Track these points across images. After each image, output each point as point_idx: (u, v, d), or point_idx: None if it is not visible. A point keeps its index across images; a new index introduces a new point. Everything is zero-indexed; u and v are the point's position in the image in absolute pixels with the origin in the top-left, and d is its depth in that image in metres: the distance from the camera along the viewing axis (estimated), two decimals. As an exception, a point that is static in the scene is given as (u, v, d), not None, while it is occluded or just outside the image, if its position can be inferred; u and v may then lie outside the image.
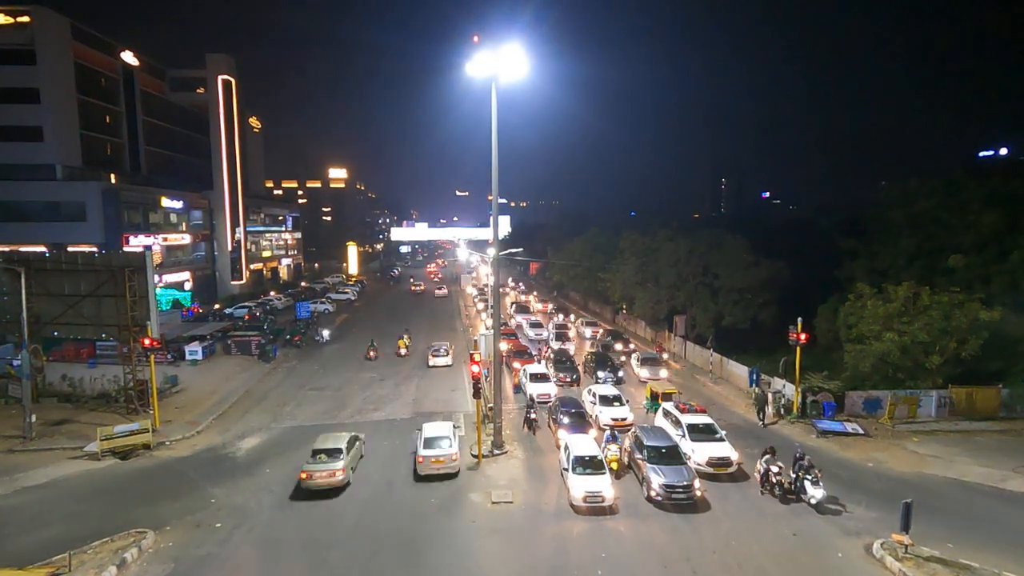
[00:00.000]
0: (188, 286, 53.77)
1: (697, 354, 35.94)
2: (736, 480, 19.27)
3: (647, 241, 43.02)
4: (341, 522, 16.59)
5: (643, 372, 32.34)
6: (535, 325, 45.19)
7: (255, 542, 15.57)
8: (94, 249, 38.16)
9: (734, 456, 19.52)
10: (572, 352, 37.08)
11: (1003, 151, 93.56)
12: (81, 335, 28.88)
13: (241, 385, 30.86)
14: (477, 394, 20.91)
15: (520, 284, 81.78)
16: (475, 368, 21.18)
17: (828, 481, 19.34)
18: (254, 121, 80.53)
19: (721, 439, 20.24)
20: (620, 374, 31.57)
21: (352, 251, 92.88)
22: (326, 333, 42.85)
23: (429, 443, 19.24)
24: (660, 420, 22.92)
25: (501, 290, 60.25)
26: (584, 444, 18.72)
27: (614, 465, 18.86)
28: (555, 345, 38.50)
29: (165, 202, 51.81)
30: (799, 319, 25.61)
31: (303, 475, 17.90)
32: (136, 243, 45.76)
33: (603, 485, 16.78)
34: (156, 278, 33.61)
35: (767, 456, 18.41)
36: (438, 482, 19.00)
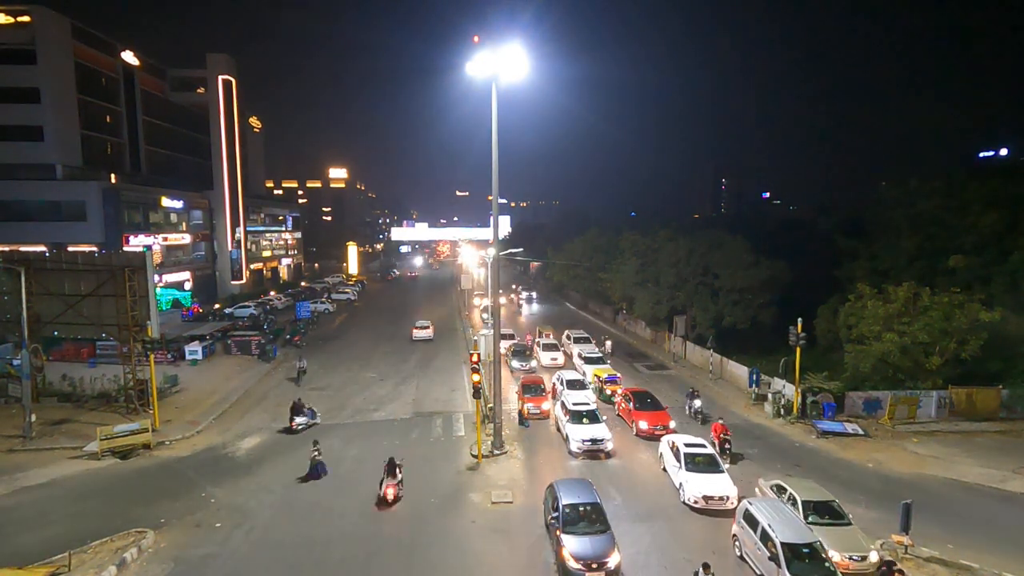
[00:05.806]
0: (188, 286, 53.73)
1: (697, 354, 35.94)
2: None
3: (647, 241, 43.02)
4: (341, 522, 16.62)
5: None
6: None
7: (255, 542, 15.58)
8: (94, 249, 38.15)
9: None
10: None
11: (1003, 151, 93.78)
12: (81, 335, 28.85)
13: (241, 385, 30.85)
14: (477, 394, 20.93)
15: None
16: (476, 378, 21.15)
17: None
18: (254, 121, 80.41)
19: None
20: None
21: (352, 251, 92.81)
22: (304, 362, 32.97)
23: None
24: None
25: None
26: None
27: None
28: None
29: (165, 202, 51.78)
30: (799, 319, 25.62)
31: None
32: (136, 243, 45.74)
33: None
34: (156, 278, 33.65)
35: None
36: (438, 482, 19.09)
